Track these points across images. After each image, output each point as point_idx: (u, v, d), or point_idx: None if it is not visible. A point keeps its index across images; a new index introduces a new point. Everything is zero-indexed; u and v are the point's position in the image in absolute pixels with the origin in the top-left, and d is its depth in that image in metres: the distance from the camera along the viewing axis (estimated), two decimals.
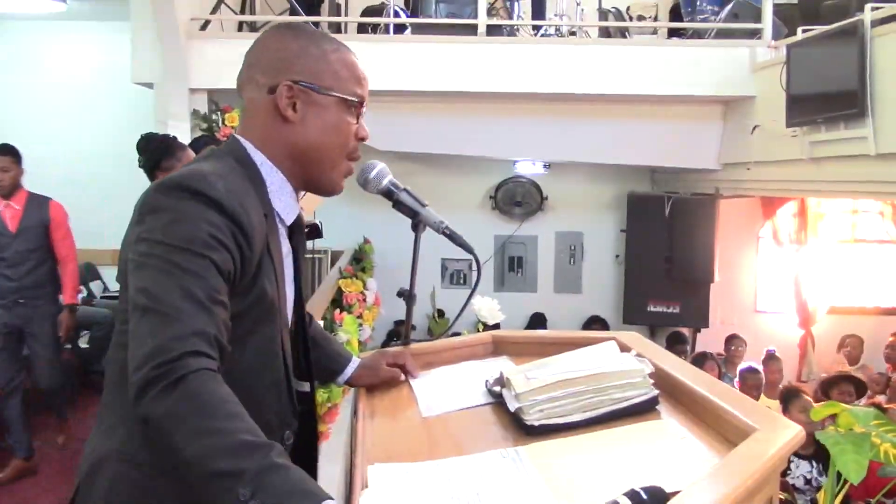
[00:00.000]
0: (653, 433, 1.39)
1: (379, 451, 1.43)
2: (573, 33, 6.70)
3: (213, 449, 1.09)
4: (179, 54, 5.64)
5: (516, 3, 6.91)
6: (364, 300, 5.11)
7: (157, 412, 1.13)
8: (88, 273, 7.62)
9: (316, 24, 6.08)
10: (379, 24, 6.42)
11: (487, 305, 2.72)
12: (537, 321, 8.26)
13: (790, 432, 1.25)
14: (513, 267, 8.68)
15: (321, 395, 3.34)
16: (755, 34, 6.16)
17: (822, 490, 2.29)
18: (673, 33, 6.82)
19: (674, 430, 1.40)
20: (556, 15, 6.72)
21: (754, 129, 5.95)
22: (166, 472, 1.23)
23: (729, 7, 6.32)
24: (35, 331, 4.97)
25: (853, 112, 4.60)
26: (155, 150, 3.72)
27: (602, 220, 8.57)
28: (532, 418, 1.44)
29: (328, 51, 1.48)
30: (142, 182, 3.82)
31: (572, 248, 8.67)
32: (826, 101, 4.87)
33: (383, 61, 5.81)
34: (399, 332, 7.40)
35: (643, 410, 1.47)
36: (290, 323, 1.55)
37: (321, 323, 3.09)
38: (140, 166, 3.77)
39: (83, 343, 6.80)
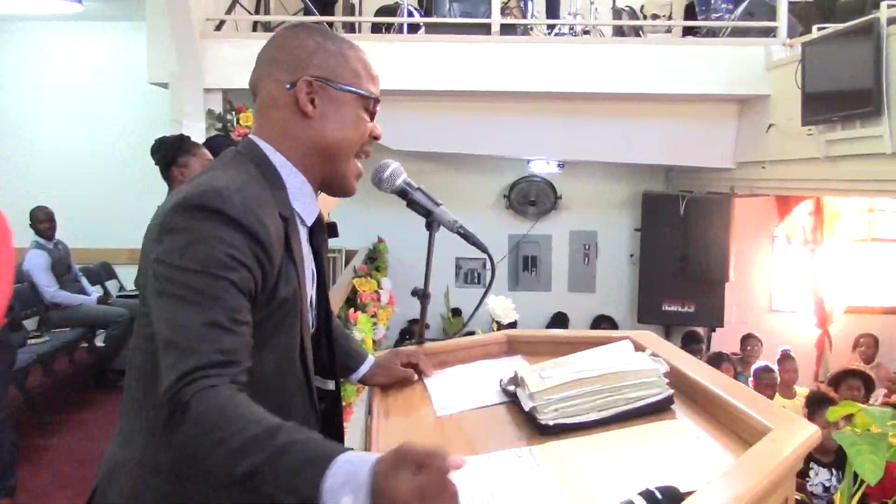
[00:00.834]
0: (668, 433, 1.39)
1: None
2: (587, 32, 6.68)
3: (226, 459, 1.10)
4: (194, 54, 5.66)
5: (530, 2, 6.90)
6: (378, 299, 5.12)
7: (179, 444, 1.16)
8: (104, 272, 7.67)
9: (330, 24, 6.10)
10: (393, 24, 6.42)
11: (502, 304, 2.72)
12: (558, 321, 8.26)
13: (806, 432, 1.25)
14: (527, 266, 8.67)
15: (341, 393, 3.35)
16: (770, 32, 6.12)
17: (839, 491, 2.28)
18: (687, 32, 6.79)
19: (689, 429, 1.40)
20: (569, 14, 6.71)
21: (769, 127, 5.92)
22: (186, 478, 1.25)
23: (744, 5, 6.29)
24: None
25: (869, 110, 4.57)
26: (169, 148, 3.74)
27: (616, 219, 8.56)
28: (547, 418, 1.44)
29: (344, 48, 1.49)
30: (157, 182, 3.84)
31: (586, 247, 8.65)
32: (841, 99, 4.84)
33: (397, 61, 5.82)
34: (413, 331, 7.41)
35: (658, 410, 1.47)
36: (313, 323, 1.55)
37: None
38: (155, 163, 3.79)
39: (99, 342, 6.85)
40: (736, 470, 1.13)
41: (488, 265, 1.85)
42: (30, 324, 6.43)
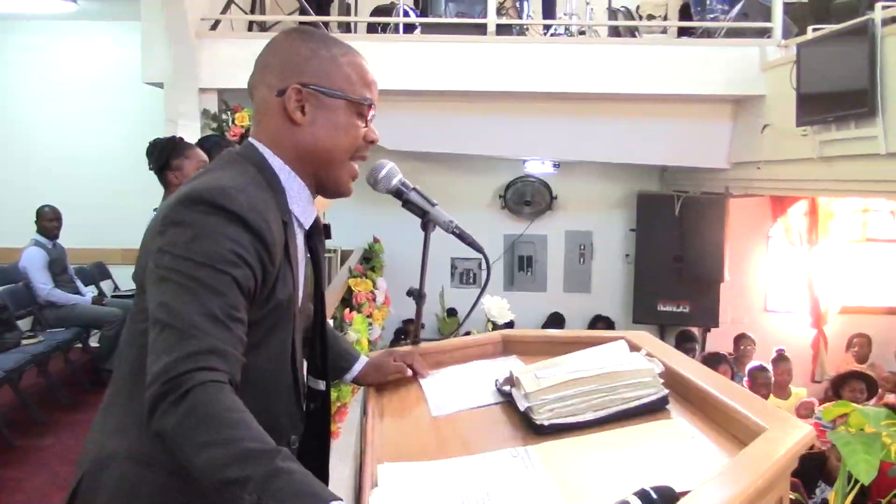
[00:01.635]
0: (663, 433, 1.39)
1: (388, 450, 1.44)
2: (583, 32, 6.69)
3: (220, 459, 1.10)
4: (190, 54, 5.65)
5: (526, 3, 6.91)
6: (374, 299, 5.11)
7: (167, 427, 1.15)
8: (98, 272, 7.66)
9: (326, 23, 6.09)
10: (388, 24, 6.42)
11: (497, 305, 2.71)
12: (554, 321, 8.27)
13: (800, 432, 1.25)
14: (522, 266, 8.68)
15: (331, 394, 3.35)
16: (765, 33, 6.13)
17: (833, 491, 2.28)
18: (683, 32, 6.80)
19: (684, 429, 1.40)
20: (565, 14, 6.71)
21: (764, 128, 5.93)
22: (177, 472, 1.25)
23: (739, 6, 6.30)
24: None
25: (864, 111, 4.59)
26: (163, 150, 3.74)
27: (612, 219, 8.57)
28: (542, 418, 1.44)
29: (338, 54, 1.48)
30: (152, 182, 3.84)
31: (582, 247, 8.66)
32: (836, 100, 4.85)
33: (393, 61, 5.82)
34: (408, 331, 7.42)
35: (653, 410, 1.47)
36: (308, 326, 1.56)
37: (331, 322, 3.10)
38: (150, 169, 3.79)
39: (93, 342, 6.84)
40: (731, 470, 1.13)
41: (484, 265, 1.86)
42: (24, 324, 6.41)
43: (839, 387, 5.66)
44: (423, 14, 6.49)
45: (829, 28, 5.05)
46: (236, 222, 1.29)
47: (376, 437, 1.51)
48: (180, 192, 1.34)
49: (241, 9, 6.23)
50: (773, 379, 6.50)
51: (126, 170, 7.28)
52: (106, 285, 7.70)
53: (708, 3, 6.59)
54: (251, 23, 6.50)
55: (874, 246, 8.27)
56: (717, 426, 1.40)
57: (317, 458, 1.61)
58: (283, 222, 1.41)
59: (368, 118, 1.51)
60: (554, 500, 1.16)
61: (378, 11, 6.88)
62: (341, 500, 1.06)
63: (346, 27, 6.65)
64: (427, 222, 1.82)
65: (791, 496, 1.51)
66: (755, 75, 6.06)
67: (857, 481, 2.08)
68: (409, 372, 1.83)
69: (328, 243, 6.23)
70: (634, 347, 1.68)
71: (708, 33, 6.39)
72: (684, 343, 7.41)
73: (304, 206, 1.49)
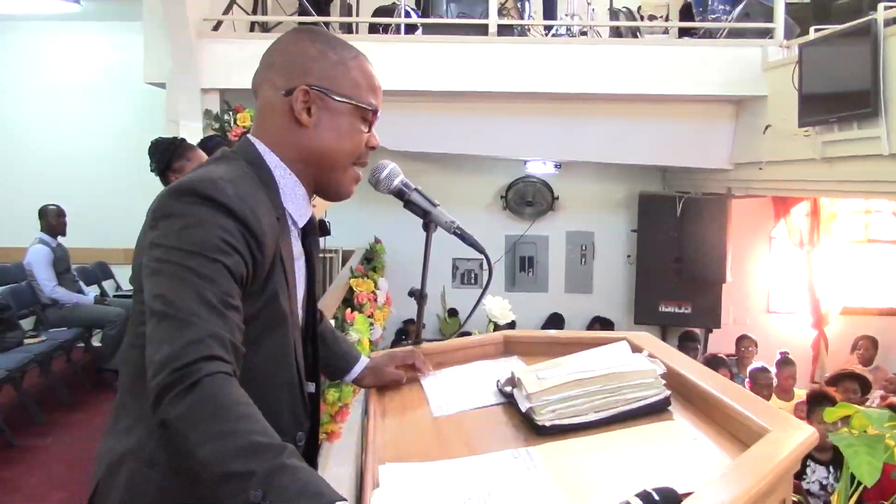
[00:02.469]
0: (665, 434, 1.39)
1: (390, 450, 1.43)
2: (584, 33, 6.68)
3: (226, 450, 1.09)
4: (191, 54, 5.66)
5: (527, 3, 6.90)
6: (375, 300, 5.10)
7: (174, 416, 1.14)
8: (101, 272, 7.66)
9: (327, 24, 6.09)
10: (390, 25, 6.42)
11: (499, 305, 2.71)
12: (554, 321, 8.26)
13: (803, 434, 1.24)
14: (524, 267, 8.67)
15: (332, 394, 3.35)
16: (767, 34, 6.13)
17: (836, 492, 2.28)
18: (684, 33, 6.79)
19: (686, 430, 1.40)
20: (566, 15, 6.71)
21: (766, 128, 5.92)
22: (182, 472, 1.24)
23: (741, 6, 6.29)
24: None
25: (866, 111, 4.58)
26: (164, 153, 3.74)
27: (613, 219, 8.56)
28: (544, 418, 1.44)
29: (346, 57, 1.48)
30: (153, 181, 3.84)
31: (583, 248, 8.66)
32: (839, 100, 4.84)
33: (394, 61, 5.82)
34: (409, 331, 7.41)
35: (655, 411, 1.47)
36: (301, 324, 1.55)
37: (332, 322, 3.10)
38: (151, 170, 3.79)
39: (96, 341, 6.85)
40: (733, 471, 1.12)
41: (485, 266, 1.86)
42: (26, 323, 6.42)
43: (833, 386, 5.64)
44: (425, 14, 6.49)
45: (831, 28, 5.05)
46: (223, 211, 1.29)
47: (378, 438, 1.51)
48: (170, 186, 1.35)
49: (242, 9, 6.23)
50: (775, 381, 6.48)
51: (128, 169, 7.27)
52: (108, 285, 7.71)
53: (709, 3, 6.59)
54: (253, 23, 6.50)
55: (876, 247, 8.26)
56: (719, 427, 1.39)
57: (307, 459, 1.60)
58: (276, 218, 1.40)
59: (372, 124, 1.51)
60: (556, 501, 1.16)
61: (379, 12, 6.87)
62: (346, 500, 1.05)
63: (347, 28, 6.65)
64: (429, 223, 1.82)
65: (794, 498, 1.51)
66: (757, 76, 6.06)
67: (859, 483, 2.08)
68: (404, 380, 1.83)
69: (328, 241, 6.24)
70: (636, 348, 1.68)
71: (709, 34, 6.39)
72: (686, 343, 7.41)
73: (298, 203, 1.48)
